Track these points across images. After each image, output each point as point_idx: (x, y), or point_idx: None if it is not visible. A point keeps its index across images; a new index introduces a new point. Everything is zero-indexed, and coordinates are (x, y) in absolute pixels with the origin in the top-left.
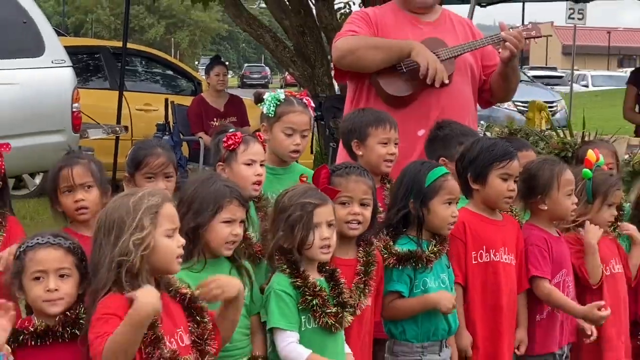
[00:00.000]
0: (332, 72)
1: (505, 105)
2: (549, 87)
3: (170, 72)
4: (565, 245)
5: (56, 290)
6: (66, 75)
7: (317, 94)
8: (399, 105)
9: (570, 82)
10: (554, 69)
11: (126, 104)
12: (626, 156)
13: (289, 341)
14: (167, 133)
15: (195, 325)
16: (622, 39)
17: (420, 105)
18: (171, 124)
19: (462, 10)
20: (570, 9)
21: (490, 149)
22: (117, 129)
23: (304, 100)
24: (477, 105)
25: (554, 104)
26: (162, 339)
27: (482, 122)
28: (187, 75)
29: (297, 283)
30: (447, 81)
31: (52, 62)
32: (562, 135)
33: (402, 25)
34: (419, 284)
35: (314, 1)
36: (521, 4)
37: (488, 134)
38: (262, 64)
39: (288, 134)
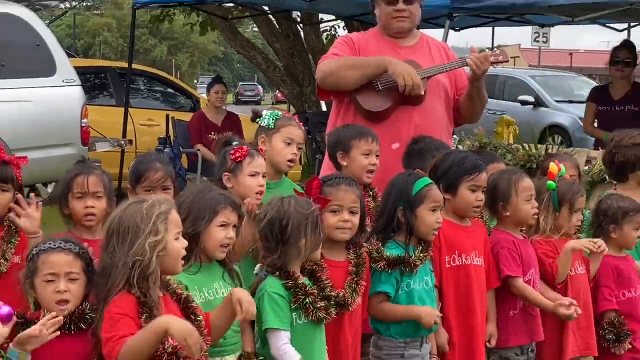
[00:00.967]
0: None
1: None
2: None
3: (171, 90)
4: (531, 247)
5: (66, 291)
6: (76, 93)
7: (305, 111)
8: (375, 120)
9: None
10: None
11: (131, 120)
12: (586, 167)
13: (283, 342)
14: (168, 146)
15: (190, 323)
16: (582, 60)
17: (395, 120)
18: (172, 137)
19: (437, 33)
20: (535, 32)
21: (460, 162)
22: (122, 142)
23: (296, 119)
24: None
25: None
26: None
27: (455, 136)
28: (187, 93)
29: (289, 284)
30: (422, 92)
31: (63, 81)
32: (527, 148)
33: (383, 49)
34: (404, 285)
35: (301, 26)
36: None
37: (460, 146)
38: (255, 83)
39: (287, 143)
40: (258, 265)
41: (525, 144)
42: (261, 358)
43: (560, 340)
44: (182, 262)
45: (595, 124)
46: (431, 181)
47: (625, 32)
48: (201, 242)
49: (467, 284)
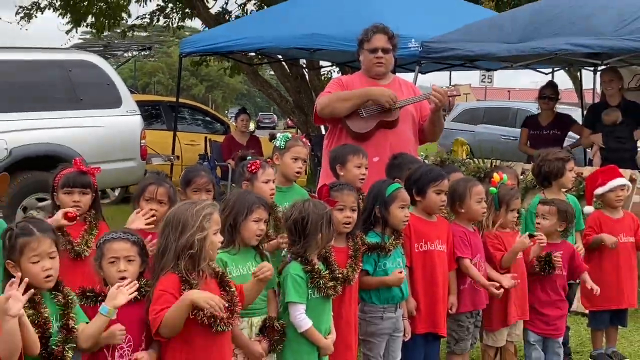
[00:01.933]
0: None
1: None
2: None
3: (208, 118)
4: (479, 238)
5: (125, 270)
6: (136, 120)
7: (309, 134)
8: (361, 139)
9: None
10: None
11: (178, 140)
12: (521, 177)
13: (299, 312)
14: (205, 160)
15: (225, 294)
16: (518, 96)
17: (375, 140)
18: (209, 154)
19: (409, 76)
20: (482, 74)
21: (428, 172)
22: (171, 157)
23: (303, 140)
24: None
25: None
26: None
27: (421, 153)
28: (220, 120)
29: (307, 269)
30: (395, 115)
31: (127, 111)
32: (476, 162)
33: (364, 86)
34: (381, 265)
35: (306, 70)
36: (449, 72)
37: (427, 161)
38: (271, 113)
39: (295, 159)
40: (285, 251)
41: (475, 159)
42: (281, 321)
43: (505, 309)
44: (218, 251)
45: (528, 144)
46: (400, 185)
47: (550, 74)
48: (240, 231)
49: (431, 265)
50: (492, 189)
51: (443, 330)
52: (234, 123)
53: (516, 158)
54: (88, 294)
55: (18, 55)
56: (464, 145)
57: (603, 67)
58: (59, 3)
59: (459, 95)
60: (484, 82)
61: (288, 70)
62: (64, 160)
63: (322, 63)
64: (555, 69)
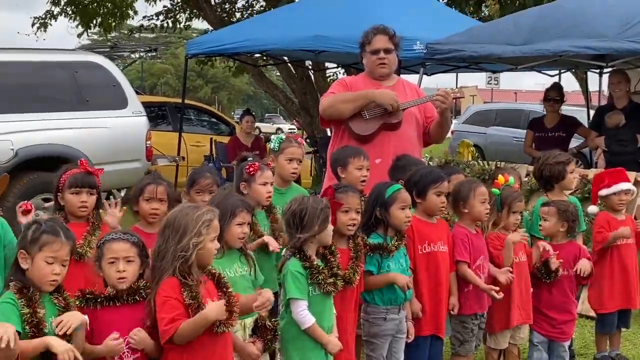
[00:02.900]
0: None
1: None
2: None
3: (213, 120)
4: (482, 240)
5: (124, 271)
6: (142, 121)
7: (314, 135)
8: (363, 141)
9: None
10: None
11: (183, 142)
12: (526, 179)
13: (301, 308)
14: (211, 162)
15: (223, 295)
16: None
17: (377, 142)
18: (214, 155)
19: (414, 78)
20: (488, 77)
21: (428, 174)
22: (177, 158)
23: (298, 140)
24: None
25: None
26: (204, 306)
27: (426, 154)
28: (225, 121)
29: (306, 265)
30: (399, 117)
31: (132, 112)
32: (481, 164)
33: (370, 87)
34: (384, 266)
35: (312, 71)
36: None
37: (431, 163)
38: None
39: (289, 160)
40: (285, 249)
41: (479, 161)
42: (274, 320)
43: (507, 312)
44: (214, 258)
45: (533, 146)
46: (401, 187)
47: (557, 76)
48: (224, 235)
49: (435, 266)
50: (495, 189)
51: (443, 332)
52: (239, 124)
53: (528, 159)
54: (88, 295)
55: (23, 56)
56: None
57: (608, 69)
58: (70, 9)
59: (463, 97)
60: (491, 84)
61: (294, 72)
62: (70, 161)
63: (327, 65)
64: (561, 71)
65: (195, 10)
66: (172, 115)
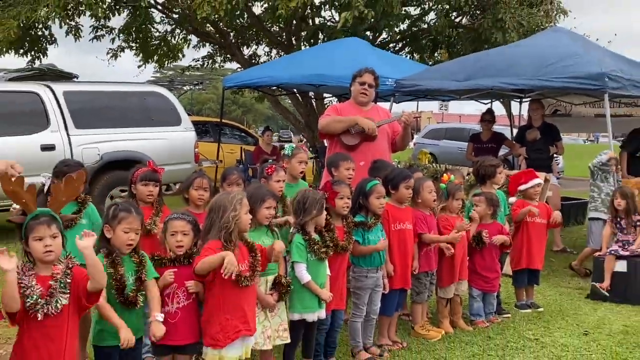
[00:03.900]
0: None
1: None
2: None
3: (243, 134)
4: (433, 219)
5: (181, 241)
6: (191, 135)
7: (316, 145)
8: (350, 149)
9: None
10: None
11: (221, 149)
12: (467, 177)
13: (301, 268)
14: (241, 164)
15: (252, 259)
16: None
17: (361, 150)
18: (243, 159)
19: (386, 104)
20: (440, 104)
21: (400, 173)
22: (217, 162)
23: (304, 148)
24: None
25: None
26: (237, 265)
27: (395, 159)
28: (251, 135)
29: (306, 238)
30: (376, 134)
31: (184, 128)
32: (434, 166)
33: (353, 111)
34: (366, 238)
35: (314, 100)
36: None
37: (399, 165)
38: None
39: (299, 163)
40: (292, 228)
41: (434, 164)
42: (288, 278)
43: (452, 270)
44: (249, 227)
45: (473, 154)
46: (378, 182)
47: (489, 104)
48: (255, 215)
49: (404, 239)
50: (442, 185)
51: (409, 285)
52: (261, 137)
53: (468, 164)
54: (155, 257)
55: (109, 87)
56: (426, 155)
57: (526, 99)
58: (135, 45)
59: (420, 117)
60: (442, 109)
61: (301, 100)
62: (140, 162)
63: (325, 95)
64: (493, 100)
65: (228, 55)
66: (213, 130)
